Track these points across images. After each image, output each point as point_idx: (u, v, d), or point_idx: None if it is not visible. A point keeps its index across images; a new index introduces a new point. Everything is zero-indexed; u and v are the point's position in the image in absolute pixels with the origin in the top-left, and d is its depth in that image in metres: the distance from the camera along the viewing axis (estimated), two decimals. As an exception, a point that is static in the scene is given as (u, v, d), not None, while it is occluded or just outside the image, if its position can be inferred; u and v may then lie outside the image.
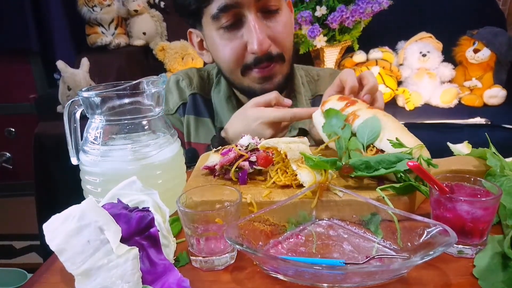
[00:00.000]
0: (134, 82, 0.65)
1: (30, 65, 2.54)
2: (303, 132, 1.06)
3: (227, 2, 0.88)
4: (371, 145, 0.69)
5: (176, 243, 0.58)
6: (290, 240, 0.57)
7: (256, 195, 0.63)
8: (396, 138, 0.66)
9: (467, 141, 0.84)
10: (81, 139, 0.69)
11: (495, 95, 2.12)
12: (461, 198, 0.53)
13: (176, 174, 0.71)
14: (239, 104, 1.08)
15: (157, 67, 2.40)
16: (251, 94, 1.01)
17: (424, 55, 2.23)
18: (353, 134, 0.71)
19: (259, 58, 0.92)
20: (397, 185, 0.61)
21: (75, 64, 2.19)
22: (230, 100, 1.08)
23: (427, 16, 2.44)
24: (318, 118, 0.79)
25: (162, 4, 2.55)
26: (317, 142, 0.94)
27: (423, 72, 2.20)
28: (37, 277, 0.55)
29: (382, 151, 0.67)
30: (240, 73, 0.97)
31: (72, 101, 0.69)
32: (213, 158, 0.72)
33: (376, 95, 0.83)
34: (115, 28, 2.42)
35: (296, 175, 0.64)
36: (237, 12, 0.89)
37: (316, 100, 1.15)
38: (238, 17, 0.90)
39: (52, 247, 0.47)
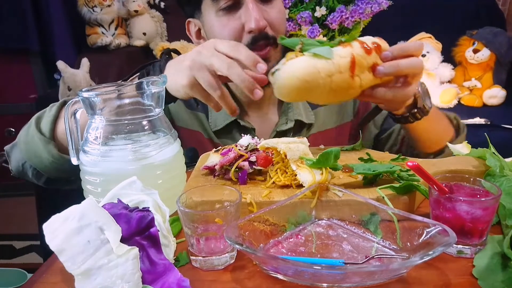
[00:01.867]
0: (135, 82, 0.65)
1: (30, 65, 2.54)
2: (299, 125, 1.05)
3: None
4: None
5: (176, 243, 0.58)
6: (290, 240, 0.57)
7: (256, 195, 0.63)
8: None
9: (466, 141, 0.84)
10: (81, 139, 0.69)
11: (494, 95, 2.13)
12: (461, 198, 0.53)
13: (176, 174, 0.71)
14: (236, 102, 1.07)
15: (157, 68, 2.40)
16: None
17: (423, 56, 2.23)
18: None
19: (256, 37, 0.94)
20: (396, 185, 0.62)
21: (75, 65, 2.19)
22: None
23: (426, 16, 2.44)
24: None
25: (162, 4, 2.55)
26: None
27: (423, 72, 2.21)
28: (37, 277, 0.55)
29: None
30: None
31: (72, 101, 0.69)
32: (213, 158, 0.72)
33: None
34: (115, 29, 2.42)
35: (295, 175, 0.64)
36: None
37: None
38: None
39: (52, 247, 0.47)
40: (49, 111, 0.89)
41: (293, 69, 0.67)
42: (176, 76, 0.78)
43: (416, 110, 0.86)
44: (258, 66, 0.74)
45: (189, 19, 1.07)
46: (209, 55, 0.75)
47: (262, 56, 0.94)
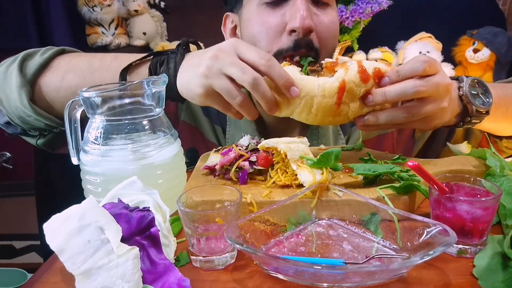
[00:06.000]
0: (135, 82, 0.65)
1: (30, 65, 2.54)
2: None
3: None
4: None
5: (177, 243, 0.58)
6: (290, 240, 0.57)
7: (256, 195, 0.63)
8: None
9: (467, 141, 0.84)
10: (82, 139, 0.69)
11: (495, 95, 2.12)
12: (461, 198, 0.53)
13: (177, 174, 0.71)
14: (258, 117, 1.01)
15: (157, 67, 2.40)
16: None
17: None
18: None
19: (298, 41, 0.81)
20: (397, 185, 0.62)
21: (75, 64, 2.18)
22: None
23: (427, 16, 2.44)
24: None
25: (162, 4, 2.55)
26: None
27: (423, 72, 2.20)
28: (37, 277, 0.55)
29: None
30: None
31: (72, 101, 0.69)
32: (213, 158, 0.72)
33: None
34: (115, 28, 2.42)
35: (296, 175, 0.64)
36: None
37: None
38: None
39: (53, 247, 0.47)
40: (42, 54, 0.82)
41: None
42: (191, 82, 0.71)
43: (469, 118, 0.76)
44: (292, 90, 0.65)
45: (227, 13, 0.96)
46: (228, 63, 0.65)
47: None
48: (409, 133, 1.03)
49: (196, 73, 0.69)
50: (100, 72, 0.80)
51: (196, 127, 1.01)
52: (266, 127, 1.00)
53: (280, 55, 0.84)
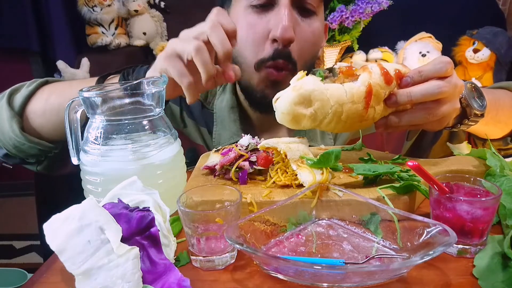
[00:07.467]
0: (135, 82, 0.65)
1: (30, 65, 2.54)
2: None
3: None
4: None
5: (177, 243, 0.58)
6: (290, 240, 0.57)
7: (256, 195, 0.63)
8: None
9: (466, 141, 0.84)
10: (82, 138, 0.69)
11: (495, 95, 2.12)
12: (461, 198, 0.53)
13: (177, 174, 0.71)
14: (243, 115, 1.00)
15: (157, 67, 2.40)
16: (252, 96, 0.94)
17: (423, 55, 2.23)
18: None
19: (278, 51, 0.84)
20: (397, 185, 0.62)
21: (75, 64, 2.19)
22: (233, 110, 0.99)
23: (427, 16, 2.44)
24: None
25: (162, 4, 2.55)
26: None
27: (423, 72, 2.20)
28: (37, 277, 0.55)
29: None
30: (255, 66, 0.88)
31: (72, 101, 0.69)
32: (213, 158, 0.72)
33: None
34: (115, 28, 2.42)
35: (296, 175, 0.64)
36: None
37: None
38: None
39: (53, 247, 0.47)
40: (27, 87, 0.87)
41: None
42: (155, 71, 0.75)
43: (467, 120, 0.76)
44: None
45: (218, 7, 0.99)
46: (178, 41, 0.71)
47: (277, 78, 0.86)
48: (398, 133, 1.04)
49: (156, 64, 0.75)
50: (79, 85, 0.83)
51: (181, 131, 1.02)
52: (252, 127, 1.01)
53: (262, 64, 0.86)
